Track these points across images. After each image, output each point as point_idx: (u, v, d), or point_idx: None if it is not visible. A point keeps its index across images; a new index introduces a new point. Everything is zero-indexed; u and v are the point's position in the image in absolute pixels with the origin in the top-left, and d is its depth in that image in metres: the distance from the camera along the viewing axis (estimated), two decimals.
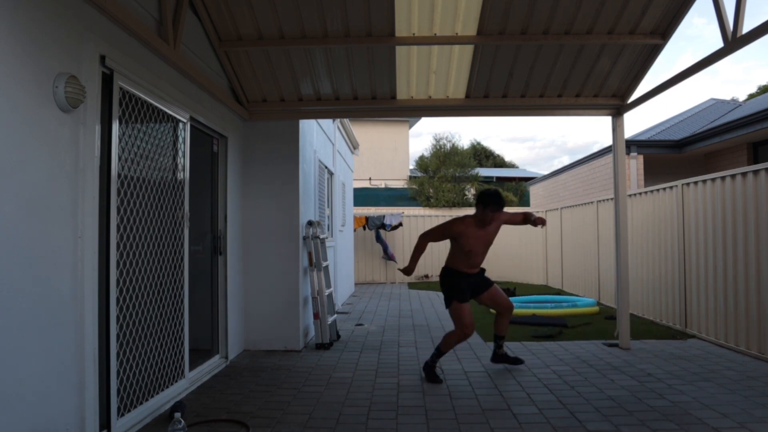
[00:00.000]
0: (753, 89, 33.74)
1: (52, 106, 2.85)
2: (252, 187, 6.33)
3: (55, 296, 2.88)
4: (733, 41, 4.17)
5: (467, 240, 4.83)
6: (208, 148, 5.58)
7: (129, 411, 3.61)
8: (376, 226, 14.59)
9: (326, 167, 9.08)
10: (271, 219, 6.31)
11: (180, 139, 4.50)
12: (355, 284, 14.41)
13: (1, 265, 2.48)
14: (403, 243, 15.35)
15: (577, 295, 10.74)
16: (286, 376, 5.10)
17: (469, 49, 5.45)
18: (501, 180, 29.37)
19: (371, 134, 24.80)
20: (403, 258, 15.33)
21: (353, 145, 12.64)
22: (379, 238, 14.82)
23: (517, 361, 5.30)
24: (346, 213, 11.80)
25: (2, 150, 2.51)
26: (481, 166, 35.20)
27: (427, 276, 15.38)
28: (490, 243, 4.98)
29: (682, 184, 7.01)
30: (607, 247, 9.43)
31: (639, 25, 5.09)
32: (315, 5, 4.76)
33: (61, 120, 2.92)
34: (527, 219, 5.13)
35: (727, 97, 20.05)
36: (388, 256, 14.80)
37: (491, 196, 4.85)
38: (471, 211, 19.69)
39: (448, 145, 24.73)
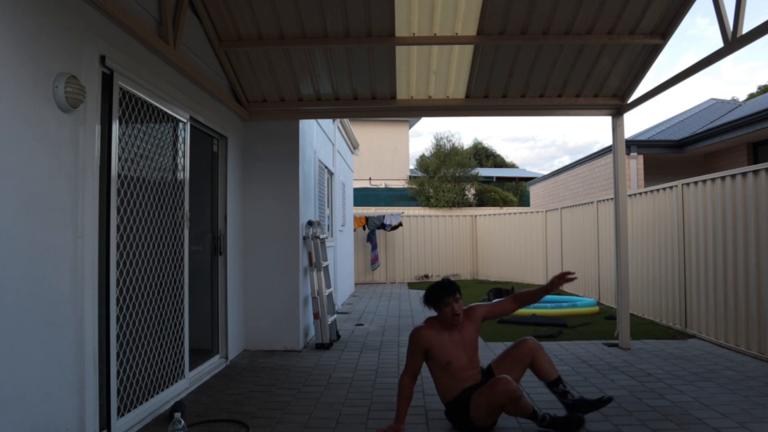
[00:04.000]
0: (754, 90, 33.76)
1: (52, 106, 2.85)
2: (252, 187, 6.33)
3: (55, 296, 2.88)
4: (733, 41, 4.17)
5: (440, 350, 3.57)
6: (208, 148, 5.58)
7: (129, 411, 3.61)
8: (376, 226, 14.59)
9: (326, 167, 9.08)
10: (271, 219, 6.31)
11: (180, 139, 4.50)
12: (355, 284, 14.41)
13: (1, 264, 2.48)
14: (402, 243, 15.36)
15: (577, 295, 10.74)
16: (286, 376, 5.10)
17: (469, 49, 5.45)
18: (501, 180, 29.36)
19: (371, 134, 24.80)
20: (395, 260, 15.33)
21: (353, 145, 12.64)
22: (370, 238, 14.80)
23: (601, 403, 3.61)
24: (346, 213, 11.80)
25: (2, 150, 2.51)
26: (482, 166, 35.19)
27: (427, 276, 15.38)
28: (473, 347, 3.66)
29: (682, 184, 7.01)
30: (607, 247, 9.43)
31: (639, 25, 5.09)
32: (315, 5, 4.76)
33: (60, 120, 2.92)
34: (538, 293, 3.76)
35: (729, 98, 20.05)
36: (371, 260, 14.82)
37: (429, 293, 3.66)
38: (470, 211, 19.73)
39: (449, 145, 24.74)
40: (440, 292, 3.58)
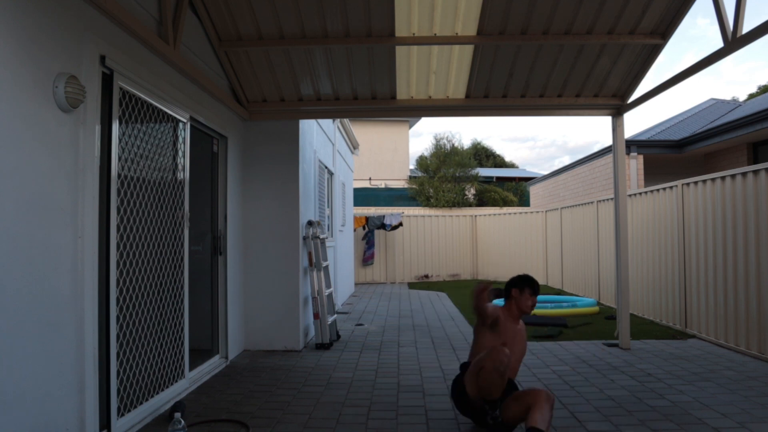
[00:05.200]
0: (754, 90, 33.76)
1: (52, 106, 2.85)
2: (252, 187, 6.33)
3: (55, 296, 2.88)
4: (733, 41, 4.17)
5: (503, 329, 3.63)
6: (208, 148, 5.58)
7: (129, 411, 3.61)
8: (376, 226, 14.60)
9: (326, 167, 9.08)
10: (271, 219, 6.31)
11: (180, 139, 4.50)
12: (355, 284, 14.41)
13: (1, 264, 2.48)
14: (402, 243, 15.36)
15: (577, 295, 10.74)
16: (286, 376, 5.10)
17: (469, 49, 5.45)
18: (501, 180, 29.35)
19: (371, 134, 24.80)
20: (395, 260, 15.32)
21: (353, 145, 12.64)
22: (367, 238, 14.78)
23: None
24: (346, 213, 11.80)
25: (2, 150, 2.51)
26: (482, 166, 35.18)
27: (427, 276, 15.38)
28: (519, 346, 3.67)
29: (682, 184, 7.01)
30: (607, 247, 9.43)
31: (639, 25, 5.09)
32: (315, 5, 4.76)
33: (60, 120, 2.92)
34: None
35: (729, 98, 20.06)
36: (365, 258, 14.81)
37: (522, 280, 3.73)
38: (470, 211, 19.73)
39: (449, 145, 24.74)
40: (530, 285, 3.68)
